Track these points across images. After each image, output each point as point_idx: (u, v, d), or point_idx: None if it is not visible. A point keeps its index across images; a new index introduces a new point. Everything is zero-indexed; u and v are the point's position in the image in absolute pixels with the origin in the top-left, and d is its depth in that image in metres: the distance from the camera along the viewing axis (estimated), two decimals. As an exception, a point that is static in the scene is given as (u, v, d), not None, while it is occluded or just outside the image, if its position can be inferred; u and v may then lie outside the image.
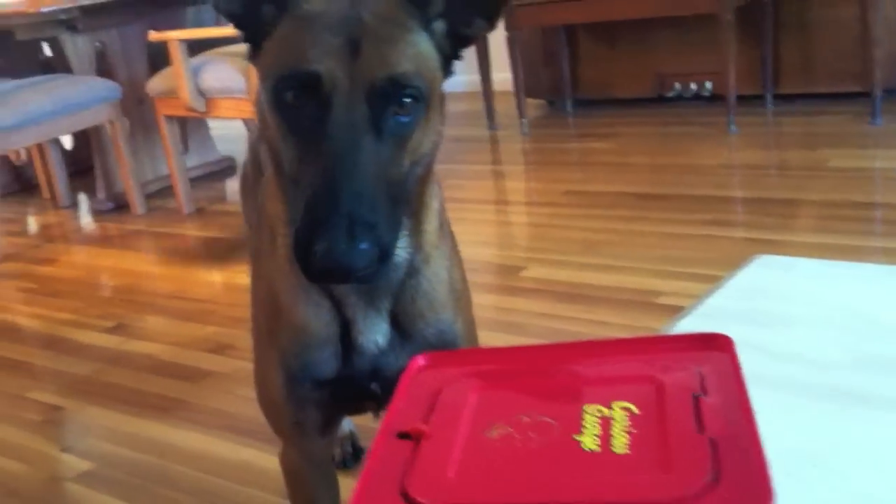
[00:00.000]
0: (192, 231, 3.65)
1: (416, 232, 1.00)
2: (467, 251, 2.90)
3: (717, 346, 0.53)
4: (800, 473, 0.62)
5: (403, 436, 0.50)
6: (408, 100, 0.86)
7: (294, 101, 0.86)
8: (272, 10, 0.90)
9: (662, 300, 2.26)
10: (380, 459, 0.48)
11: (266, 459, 1.81)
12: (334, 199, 0.81)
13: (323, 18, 0.87)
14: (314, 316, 1.02)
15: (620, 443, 0.45)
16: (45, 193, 4.47)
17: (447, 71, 0.94)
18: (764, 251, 2.37)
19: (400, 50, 0.87)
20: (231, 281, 2.94)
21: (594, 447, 0.45)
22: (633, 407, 0.48)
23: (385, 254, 0.83)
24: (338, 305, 1.02)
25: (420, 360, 0.57)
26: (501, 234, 3.16)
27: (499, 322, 2.34)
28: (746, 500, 0.39)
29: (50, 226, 4.15)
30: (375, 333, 1.02)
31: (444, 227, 1.09)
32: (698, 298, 2.35)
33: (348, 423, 1.84)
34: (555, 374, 0.53)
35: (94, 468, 1.91)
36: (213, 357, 2.36)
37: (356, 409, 1.19)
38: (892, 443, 0.67)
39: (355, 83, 0.84)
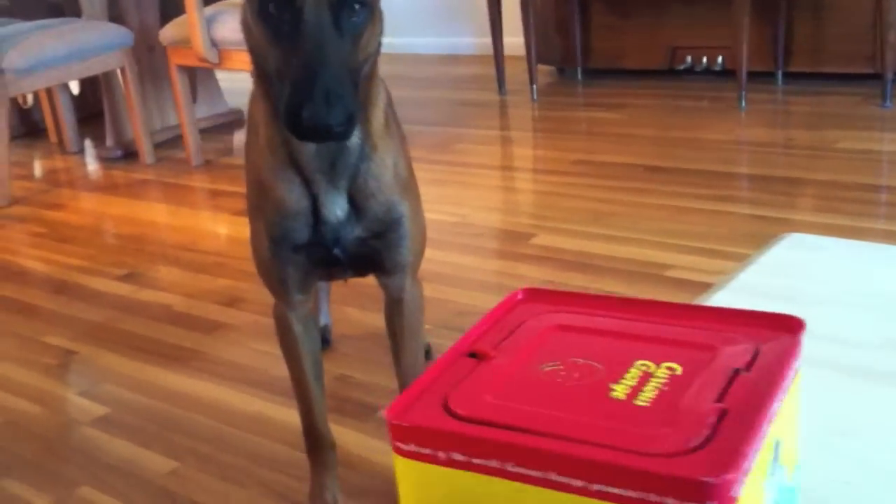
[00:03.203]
0: (202, 183, 3.67)
1: (365, 122, 1.25)
2: (475, 216, 2.95)
3: (788, 328, 0.54)
4: (831, 442, 0.66)
5: (472, 355, 0.53)
6: (357, 5, 1.13)
7: (275, 11, 1.12)
8: None
9: (670, 273, 2.30)
10: (440, 370, 0.52)
11: (277, 411, 1.86)
12: (313, 78, 1.08)
13: None
14: (289, 192, 1.28)
15: (646, 397, 0.48)
16: (53, 138, 4.47)
17: None
18: (770, 229, 2.42)
19: None
20: (240, 235, 2.96)
21: (621, 396, 0.48)
22: (678, 368, 0.51)
23: (351, 117, 1.10)
24: (307, 184, 1.27)
25: (518, 295, 0.60)
26: (509, 201, 3.18)
27: (505, 287, 2.38)
28: (715, 468, 0.42)
29: (58, 171, 4.15)
30: (336, 207, 1.28)
31: (391, 125, 1.34)
32: (708, 273, 2.38)
33: (325, 317, 2.13)
34: (627, 327, 0.56)
35: (110, 413, 1.95)
36: (225, 310, 2.40)
37: (328, 274, 1.47)
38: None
39: None
